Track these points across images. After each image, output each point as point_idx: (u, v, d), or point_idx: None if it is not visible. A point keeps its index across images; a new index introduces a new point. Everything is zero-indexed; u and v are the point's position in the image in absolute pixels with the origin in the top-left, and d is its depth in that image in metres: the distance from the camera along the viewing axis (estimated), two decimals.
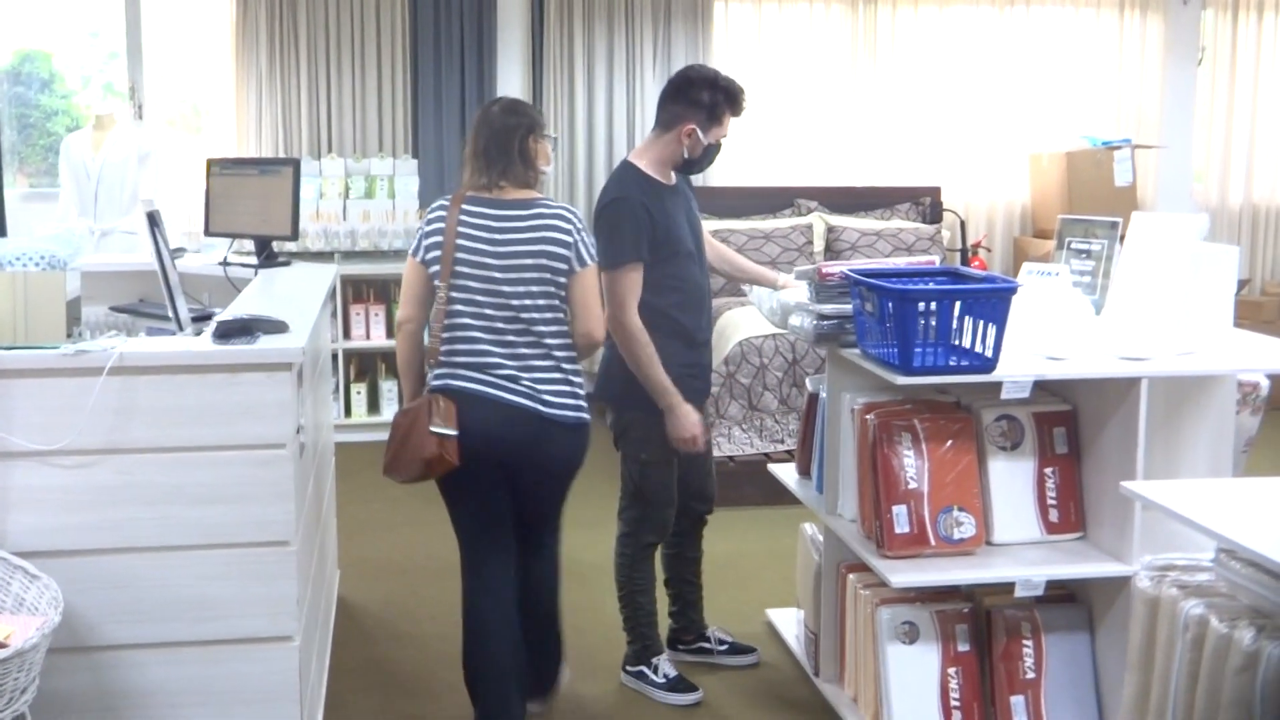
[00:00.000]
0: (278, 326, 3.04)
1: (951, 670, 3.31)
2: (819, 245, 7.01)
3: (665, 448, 3.65)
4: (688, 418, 3.57)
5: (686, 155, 3.60)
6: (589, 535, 4.23)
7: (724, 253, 3.96)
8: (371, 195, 6.93)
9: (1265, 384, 3.66)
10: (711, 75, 3.61)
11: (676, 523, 3.82)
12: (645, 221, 3.50)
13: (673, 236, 3.56)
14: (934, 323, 3.03)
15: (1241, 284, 7.44)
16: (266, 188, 4.59)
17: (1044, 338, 3.26)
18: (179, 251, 4.72)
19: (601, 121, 7.38)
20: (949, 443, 3.25)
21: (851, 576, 3.54)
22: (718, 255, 3.92)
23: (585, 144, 7.38)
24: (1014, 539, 3.30)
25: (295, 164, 4.56)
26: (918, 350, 3.03)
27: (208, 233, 4.79)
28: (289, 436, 2.90)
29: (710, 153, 3.64)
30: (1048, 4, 7.78)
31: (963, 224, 7.47)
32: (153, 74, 7.21)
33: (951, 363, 3.08)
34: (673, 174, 3.66)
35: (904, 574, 3.15)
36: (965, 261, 7.19)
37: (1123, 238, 3.65)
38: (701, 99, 3.56)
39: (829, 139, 7.66)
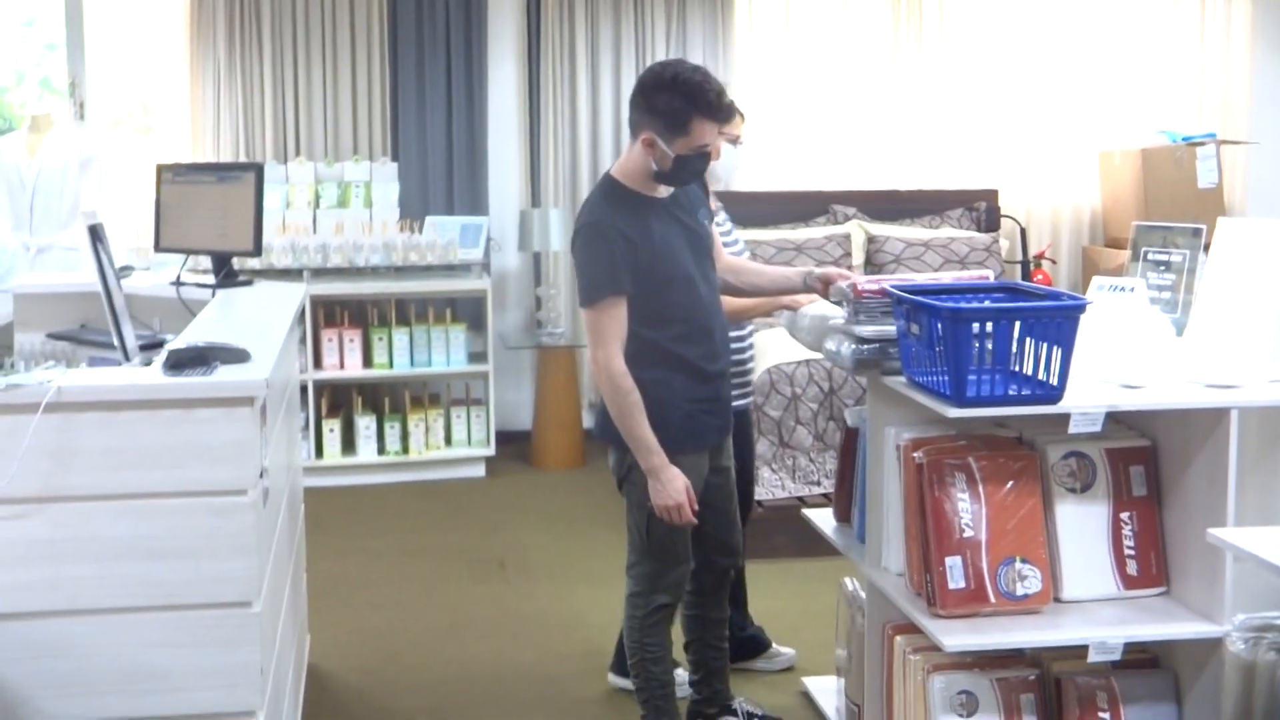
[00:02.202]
0: (238, 355, 3.05)
1: None
2: (858, 257, 7.01)
3: None
4: (672, 483, 3.51)
5: (655, 168, 3.51)
6: (595, 593, 4.22)
7: (743, 272, 3.92)
8: (345, 204, 6.97)
9: None
10: (670, 75, 3.46)
11: (698, 579, 3.81)
12: (623, 249, 3.47)
13: (663, 261, 3.52)
14: (991, 346, 3.02)
15: None
16: (225, 197, 4.61)
17: (1118, 363, 3.25)
18: (126, 270, 4.74)
19: (608, 122, 7.41)
20: (1010, 484, 3.24)
21: (899, 639, 3.53)
22: (737, 274, 3.89)
23: (589, 148, 7.42)
24: (1086, 595, 3.29)
25: (258, 169, 4.58)
26: (972, 378, 3.02)
27: (158, 248, 4.81)
28: (251, 481, 2.90)
29: (690, 164, 3.50)
30: None
31: (1023, 232, 7.48)
32: (96, 68, 7.26)
33: (1011, 392, 3.07)
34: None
35: (960, 636, 3.14)
36: (1026, 276, 7.19)
37: (1207, 247, 3.64)
38: (656, 104, 3.45)
39: (868, 137, 7.68)
